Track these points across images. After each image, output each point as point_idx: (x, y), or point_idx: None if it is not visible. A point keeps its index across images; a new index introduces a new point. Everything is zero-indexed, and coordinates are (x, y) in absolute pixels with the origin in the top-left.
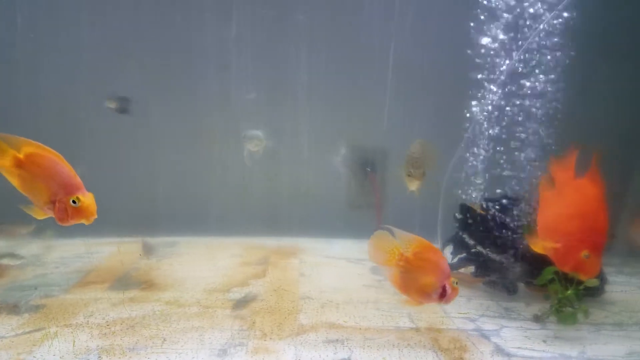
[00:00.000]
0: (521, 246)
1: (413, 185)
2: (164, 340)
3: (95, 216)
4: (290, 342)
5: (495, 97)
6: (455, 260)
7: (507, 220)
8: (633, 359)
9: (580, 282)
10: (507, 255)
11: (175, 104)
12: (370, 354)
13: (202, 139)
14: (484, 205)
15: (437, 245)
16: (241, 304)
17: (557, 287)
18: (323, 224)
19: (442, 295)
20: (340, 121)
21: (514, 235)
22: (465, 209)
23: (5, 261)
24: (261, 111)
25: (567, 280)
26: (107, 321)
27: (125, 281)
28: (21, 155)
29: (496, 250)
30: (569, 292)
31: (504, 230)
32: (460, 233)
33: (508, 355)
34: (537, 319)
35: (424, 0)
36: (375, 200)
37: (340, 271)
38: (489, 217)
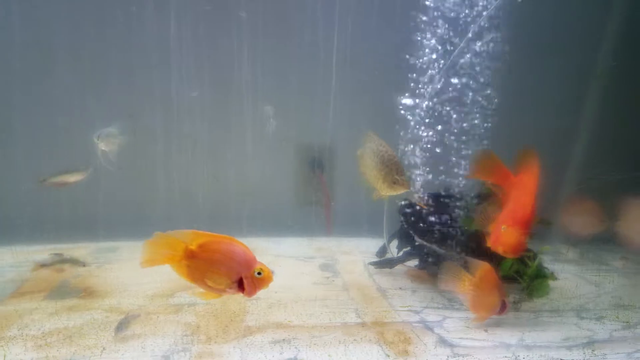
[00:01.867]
0: (461, 238)
1: (394, 192)
2: (103, 349)
3: (273, 279)
4: (236, 345)
5: (431, 95)
6: (401, 254)
7: (447, 213)
8: (568, 344)
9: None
10: (449, 247)
11: (114, 103)
12: (317, 352)
13: (142, 139)
14: (425, 200)
15: (384, 240)
16: (185, 308)
17: (519, 267)
18: (272, 223)
19: (502, 309)
20: (287, 119)
21: (455, 228)
22: (408, 204)
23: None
24: (205, 109)
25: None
26: (42, 332)
27: (63, 290)
28: (193, 247)
29: (438, 243)
30: (532, 266)
31: (444, 223)
32: (404, 227)
33: (451, 345)
34: (515, 304)
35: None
36: (323, 197)
37: (289, 270)
38: (429, 211)
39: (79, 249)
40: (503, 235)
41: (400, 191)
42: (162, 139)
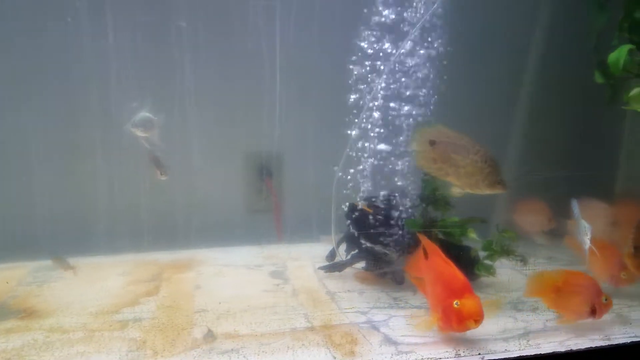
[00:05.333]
0: (405, 239)
1: (491, 192)
2: None
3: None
4: (183, 358)
5: (375, 99)
6: (349, 257)
7: (391, 215)
8: (505, 335)
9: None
10: (393, 248)
11: (51, 115)
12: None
13: (81, 152)
14: (370, 204)
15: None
16: (131, 324)
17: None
18: (221, 233)
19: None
20: (233, 127)
21: (398, 229)
22: (354, 207)
23: None
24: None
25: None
26: None
27: (2, 311)
28: (559, 283)
29: (383, 245)
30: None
31: (388, 225)
32: (351, 231)
33: (395, 343)
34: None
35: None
36: (273, 204)
37: (239, 279)
38: (374, 214)
39: (17, 269)
40: (461, 310)
41: (500, 191)
42: (102, 151)
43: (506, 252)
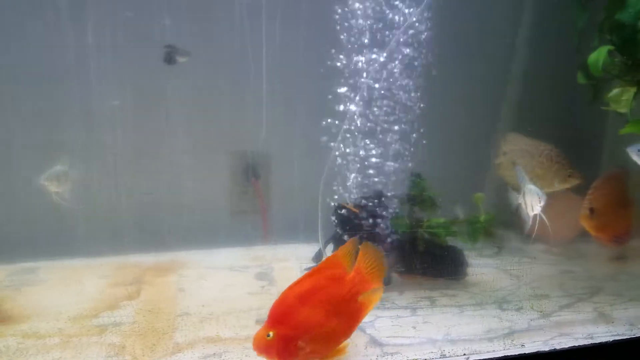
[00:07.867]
0: (391, 238)
1: (567, 185)
2: None
3: None
4: None
5: (360, 99)
6: None
7: (377, 215)
8: (490, 335)
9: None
10: (380, 248)
11: (30, 114)
12: None
13: (60, 152)
14: (357, 203)
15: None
16: (110, 328)
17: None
18: (205, 234)
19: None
20: (218, 126)
21: (384, 229)
22: (340, 208)
23: None
24: (128, 119)
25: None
26: None
27: None
28: None
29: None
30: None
31: (375, 225)
32: (338, 231)
33: (381, 345)
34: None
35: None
36: (260, 205)
37: (223, 281)
38: (361, 214)
39: None
40: None
41: (575, 183)
42: (81, 151)
43: (488, 232)
